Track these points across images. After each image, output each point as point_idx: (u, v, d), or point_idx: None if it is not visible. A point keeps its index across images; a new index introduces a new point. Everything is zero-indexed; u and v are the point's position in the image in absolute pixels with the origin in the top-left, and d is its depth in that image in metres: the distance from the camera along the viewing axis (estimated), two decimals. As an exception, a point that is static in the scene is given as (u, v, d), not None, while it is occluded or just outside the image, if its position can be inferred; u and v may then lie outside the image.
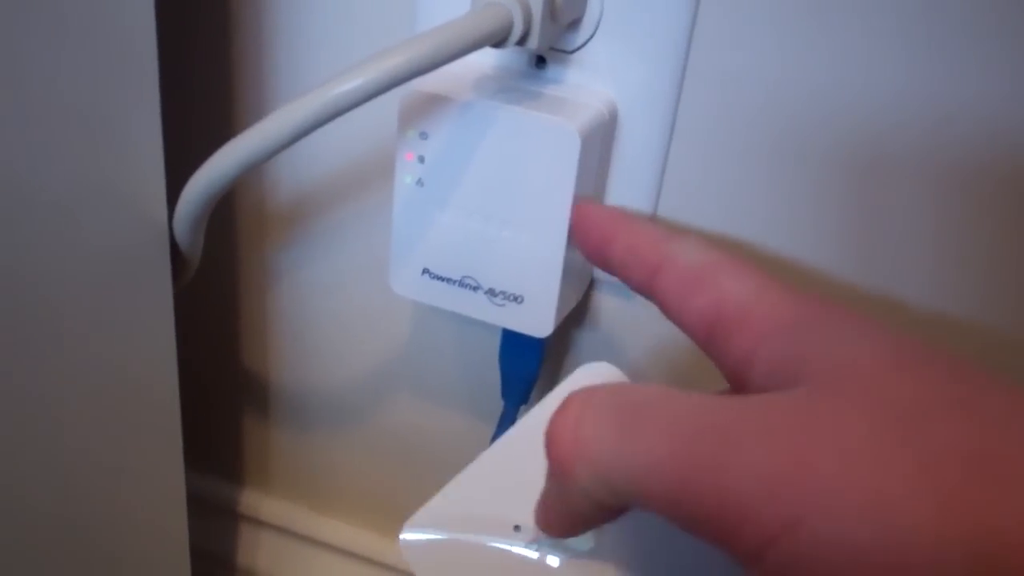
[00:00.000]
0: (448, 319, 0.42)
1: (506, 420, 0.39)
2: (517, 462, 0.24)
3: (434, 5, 0.35)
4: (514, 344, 0.38)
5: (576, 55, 0.33)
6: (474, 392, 0.44)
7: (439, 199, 0.33)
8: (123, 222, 0.33)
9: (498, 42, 0.29)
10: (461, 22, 0.28)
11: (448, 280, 0.35)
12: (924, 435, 0.16)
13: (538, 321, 0.34)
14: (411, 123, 0.33)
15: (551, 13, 0.30)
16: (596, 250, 0.27)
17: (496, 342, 0.39)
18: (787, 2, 0.31)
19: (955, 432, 0.16)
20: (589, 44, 0.33)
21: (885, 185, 0.32)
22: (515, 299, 0.34)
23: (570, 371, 0.41)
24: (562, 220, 0.32)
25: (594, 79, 0.33)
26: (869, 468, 0.16)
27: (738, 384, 0.21)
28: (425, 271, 0.35)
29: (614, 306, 0.39)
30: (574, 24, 0.33)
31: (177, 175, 0.33)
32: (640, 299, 0.37)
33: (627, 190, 0.35)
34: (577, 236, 0.29)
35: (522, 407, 0.39)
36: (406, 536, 0.25)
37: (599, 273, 0.37)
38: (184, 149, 0.34)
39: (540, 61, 0.34)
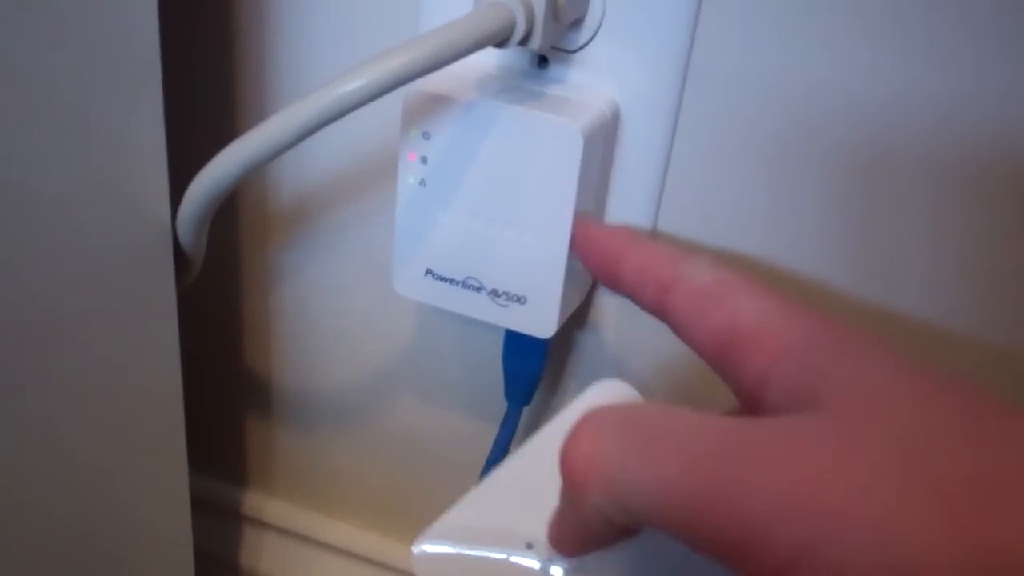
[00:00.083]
0: (451, 320, 0.42)
1: (509, 421, 0.39)
2: (531, 479, 0.24)
3: (437, 5, 0.35)
4: (517, 345, 0.38)
5: (578, 55, 0.33)
6: (477, 393, 0.44)
7: (442, 199, 0.33)
8: (126, 223, 0.33)
9: (501, 42, 0.29)
10: (464, 22, 0.28)
11: (451, 281, 0.35)
12: (937, 461, 0.16)
13: (541, 322, 0.34)
14: (414, 123, 0.33)
15: (554, 13, 0.30)
16: (605, 269, 0.26)
17: (499, 343, 0.38)
18: (789, 2, 0.31)
19: (966, 458, 0.16)
20: (591, 44, 0.33)
21: (887, 184, 0.32)
22: (518, 300, 0.34)
23: (574, 372, 0.41)
24: (565, 220, 0.32)
25: (596, 79, 0.33)
26: (882, 493, 0.16)
27: (750, 403, 0.21)
28: (428, 272, 0.35)
29: (617, 306, 0.39)
30: (576, 24, 0.33)
31: (180, 176, 0.33)
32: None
33: (630, 190, 0.35)
34: (583, 256, 0.28)
35: (525, 408, 0.39)
36: (418, 549, 0.25)
37: (602, 273, 0.37)
38: (187, 149, 0.34)
39: (542, 61, 0.34)
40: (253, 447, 0.51)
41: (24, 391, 0.31)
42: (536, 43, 0.30)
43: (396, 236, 0.35)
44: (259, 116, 0.41)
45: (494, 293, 0.34)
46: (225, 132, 0.42)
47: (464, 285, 0.34)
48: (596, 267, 0.27)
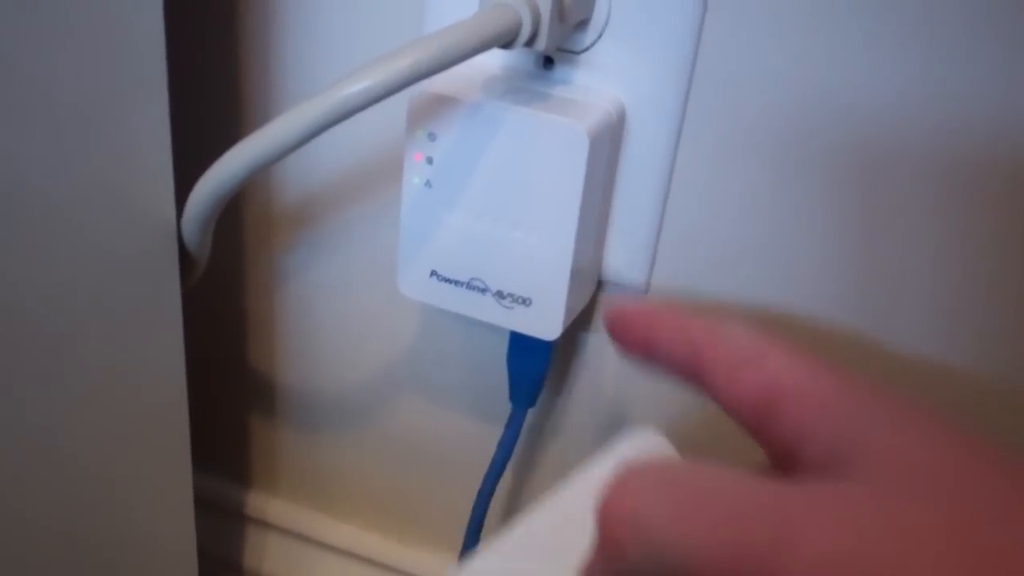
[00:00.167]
0: (455, 321, 0.42)
1: (513, 423, 0.39)
2: (561, 528, 0.24)
3: (442, 6, 0.35)
4: (522, 346, 0.38)
5: (584, 56, 0.33)
6: (481, 394, 0.44)
7: (447, 200, 0.33)
8: (131, 223, 0.33)
9: (506, 43, 0.29)
10: (469, 23, 0.28)
11: (456, 282, 0.34)
12: (978, 527, 0.17)
13: (546, 323, 0.34)
14: (419, 124, 0.33)
15: (559, 14, 0.30)
16: (640, 342, 0.26)
17: (504, 344, 0.38)
18: (794, 5, 0.31)
19: (1006, 524, 0.17)
20: (597, 45, 0.33)
21: (889, 184, 0.32)
22: (523, 301, 0.34)
23: (578, 374, 0.41)
24: (571, 221, 0.32)
25: (602, 80, 0.33)
26: (923, 559, 0.16)
27: (782, 462, 0.21)
28: (433, 273, 0.35)
29: (622, 308, 0.38)
30: (582, 25, 0.33)
31: (185, 177, 0.33)
32: (648, 299, 0.37)
33: (635, 190, 0.35)
34: (616, 333, 0.28)
35: (529, 410, 0.39)
36: None
37: (607, 275, 0.37)
38: (192, 150, 0.34)
39: (548, 62, 0.34)
40: (257, 447, 0.51)
41: (28, 390, 0.31)
42: (542, 44, 0.30)
43: (401, 237, 0.35)
44: (264, 117, 0.41)
45: (499, 295, 0.34)
46: (230, 133, 0.42)
47: (469, 286, 0.34)
48: (632, 342, 0.27)
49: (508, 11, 0.29)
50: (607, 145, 0.33)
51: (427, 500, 0.48)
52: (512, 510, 0.46)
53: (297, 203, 0.43)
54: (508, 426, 0.39)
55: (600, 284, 0.38)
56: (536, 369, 0.38)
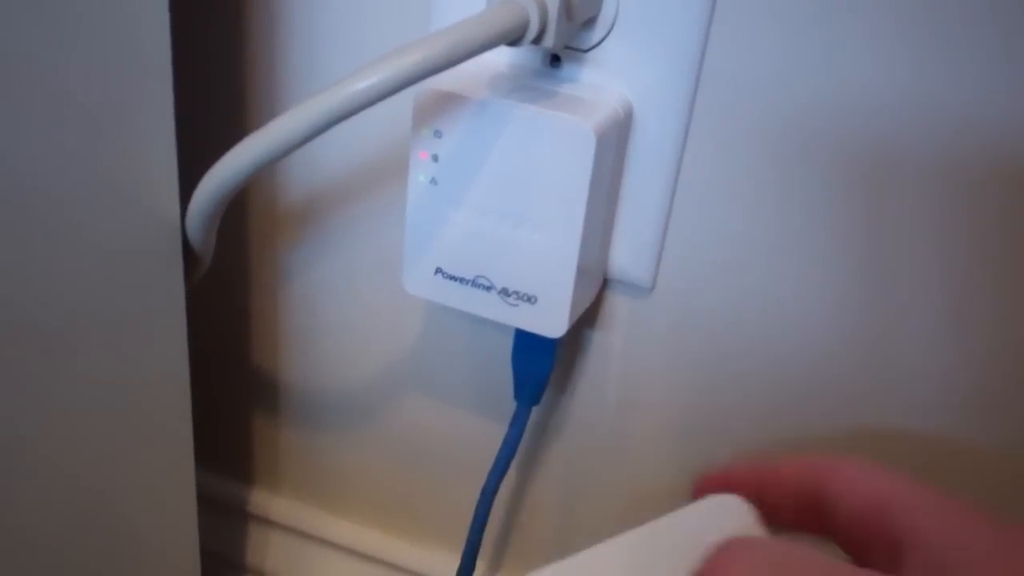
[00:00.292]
0: (460, 319, 0.42)
1: (518, 421, 0.39)
2: (625, 567, 0.23)
3: (449, 3, 0.35)
4: (527, 344, 0.38)
5: (591, 54, 0.33)
6: (486, 392, 0.43)
7: (453, 198, 0.33)
8: (135, 220, 0.33)
9: (513, 40, 0.29)
10: (476, 20, 0.28)
11: (461, 280, 0.34)
12: None
13: (552, 321, 0.34)
14: (425, 121, 0.32)
15: (567, 11, 0.30)
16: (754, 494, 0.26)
17: (508, 342, 0.38)
18: (801, 5, 0.31)
19: None
20: (604, 43, 0.33)
21: (893, 184, 0.32)
22: (528, 299, 0.34)
23: (583, 372, 0.41)
24: (577, 219, 0.32)
25: (609, 78, 0.33)
26: None
27: (882, 565, 0.22)
28: (438, 270, 0.35)
29: (627, 306, 0.38)
30: (589, 22, 0.33)
31: (189, 173, 0.33)
32: (654, 298, 0.37)
33: (642, 189, 0.35)
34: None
35: (534, 408, 0.39)
36: None
37: (612, 273, 0.37)
38: (197, 147, 0.34)
39: (555, 60, 0.34)
40: (260, 445, 0.51)
41: (32, 387, 0.31)
42: (549, 42, 0.30)
43: (406, 234, 0.35)
44: (269, 114, 0.41)
45: (504, 292, 0.34)
46: (235, 130, 0.42)
47: (474, 284, 0.34)
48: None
49: (516, 8, 0.29)
50: (614, 143, 0.33)
51: (431, 498, 0.48)
52: (516, 508, 0.46)
53: (302, 200, 0.43)
54: (512, 424, 0.39)
55: (606, 282, 0.38)
56: (541, 367, 0.38)
